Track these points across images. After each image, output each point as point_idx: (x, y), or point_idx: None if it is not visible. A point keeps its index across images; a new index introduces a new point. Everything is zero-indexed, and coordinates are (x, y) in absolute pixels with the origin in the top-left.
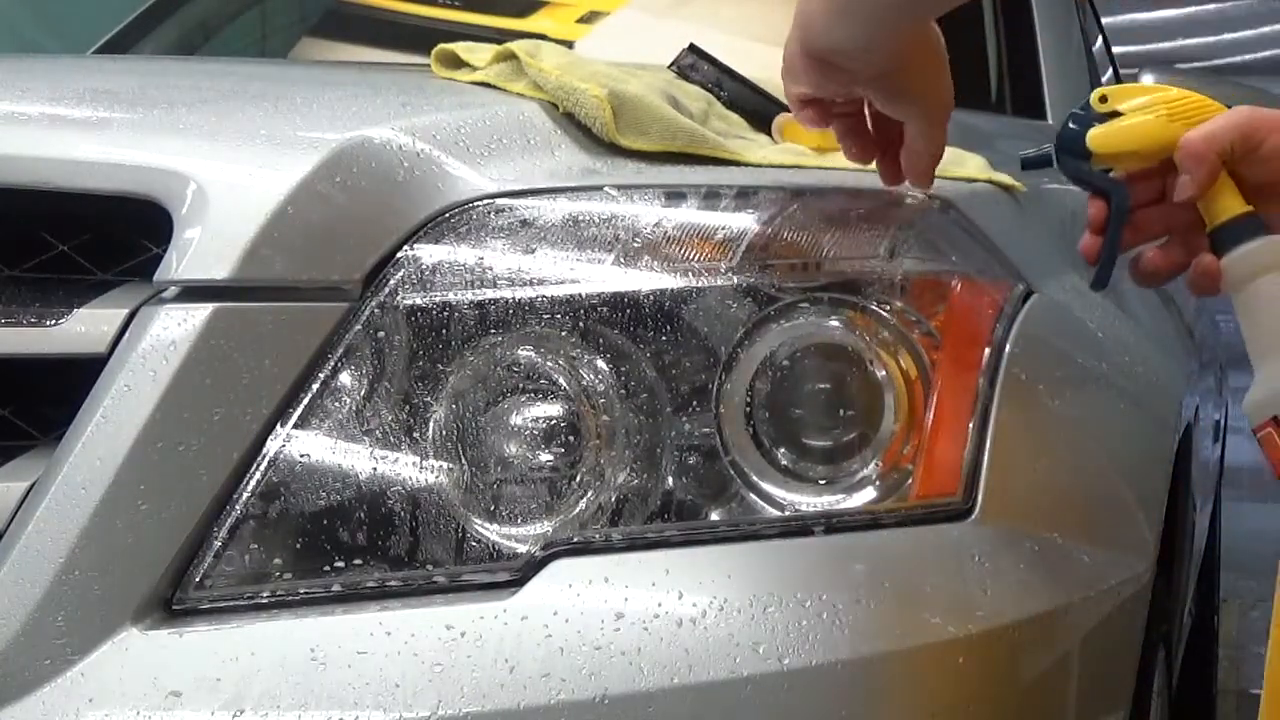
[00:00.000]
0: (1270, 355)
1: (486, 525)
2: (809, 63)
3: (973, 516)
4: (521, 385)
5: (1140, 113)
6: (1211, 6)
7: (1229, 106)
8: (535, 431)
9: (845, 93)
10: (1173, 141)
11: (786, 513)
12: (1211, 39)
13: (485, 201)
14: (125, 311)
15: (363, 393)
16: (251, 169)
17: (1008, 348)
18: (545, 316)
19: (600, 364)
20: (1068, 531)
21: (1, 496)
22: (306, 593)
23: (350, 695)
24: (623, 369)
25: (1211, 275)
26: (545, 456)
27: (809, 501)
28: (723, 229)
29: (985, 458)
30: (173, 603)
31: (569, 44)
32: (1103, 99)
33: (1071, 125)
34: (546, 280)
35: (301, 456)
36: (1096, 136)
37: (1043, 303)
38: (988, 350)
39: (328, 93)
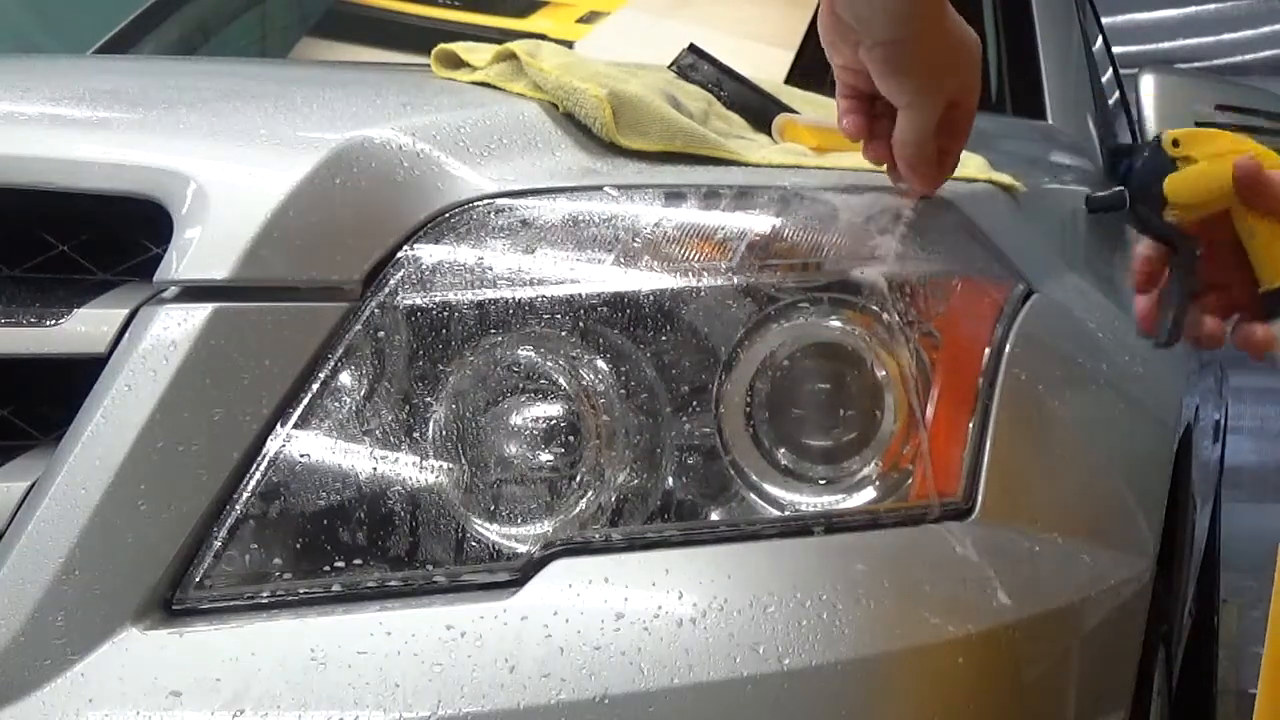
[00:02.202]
0: None
1: (486, 525)
2: (829, 17)
3: (973, 516)
4: (521, 385)
5: (1216, 160)
6: (1211, 6)
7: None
8: (535, 431)
9: (854, 61)
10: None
11: (786, 513)
12: (1211, 39)
13: (485, 201)
14: (125, 311)
15: (363, 393)
16: (251, 169)
17: (1008, 348)
18: (545, 316)
19: (600, 364)
20: (1068, 531)
21: (1, 496)
22: (306, 593)
23: (350, 695)
24: (623, 369)
25: (1265, 341)
26: (545, 456)
27: (809, 501)
28: (723, 229)
29: (985, 458)
30: (173, 603)
31: (569, 44)
32: (1175, 143)
33: (1143, 168)
34: (546, 280)
35: (301, 456)
36: (1174, 184)
37: (1043, 303)
38: (988, 350)
39: (328, 93)
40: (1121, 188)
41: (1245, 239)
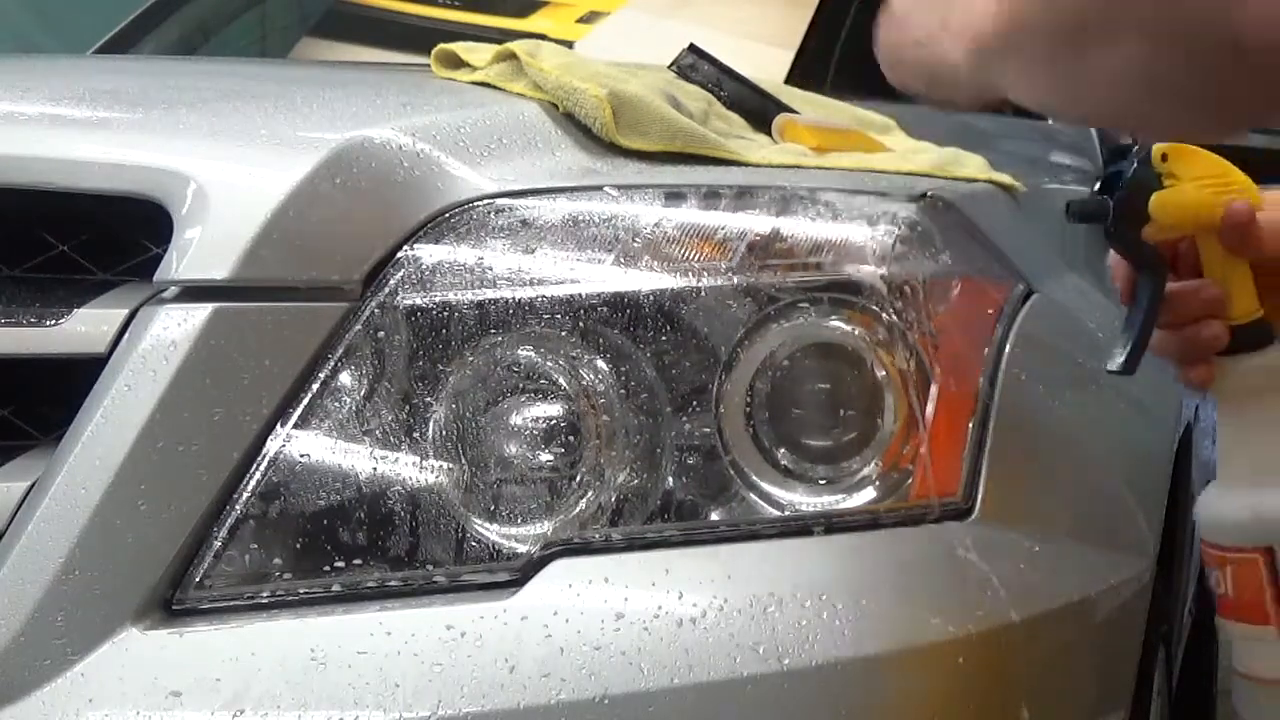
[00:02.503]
0: (1267, 480)
1: (486, 525)
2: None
3: (973, 516)
4: (521, 385)
5: (1201, 185)
6: None
7: None
8: (535, 431)
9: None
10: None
11: (786, 513)
12: None
13: (485, 201)
14: (125, 311)
15: (363, 393)
16: (251, 169)
17: (1008, 348)
18: (545, 316)
19: (600, 364)
20: (1068, 531)
21: (1, 496)
22: (306, 593)
23: (350, 695)
24: (623, 369)
25: (1201, 378)
26: (545, 456)
27: (809, 501)
28: (723, 229)
29: (985, 458)
30: (173, 603)
31: (569, 44)
32: (1164, 157)
33: (1131, 180)
34: (546, 280)
35: (301, 456)
36: (1160, 202)
37: (1043, 303)
38: (988, 350)
39: (328, 93)
40: (1105, 196)
41: (1212, 269)
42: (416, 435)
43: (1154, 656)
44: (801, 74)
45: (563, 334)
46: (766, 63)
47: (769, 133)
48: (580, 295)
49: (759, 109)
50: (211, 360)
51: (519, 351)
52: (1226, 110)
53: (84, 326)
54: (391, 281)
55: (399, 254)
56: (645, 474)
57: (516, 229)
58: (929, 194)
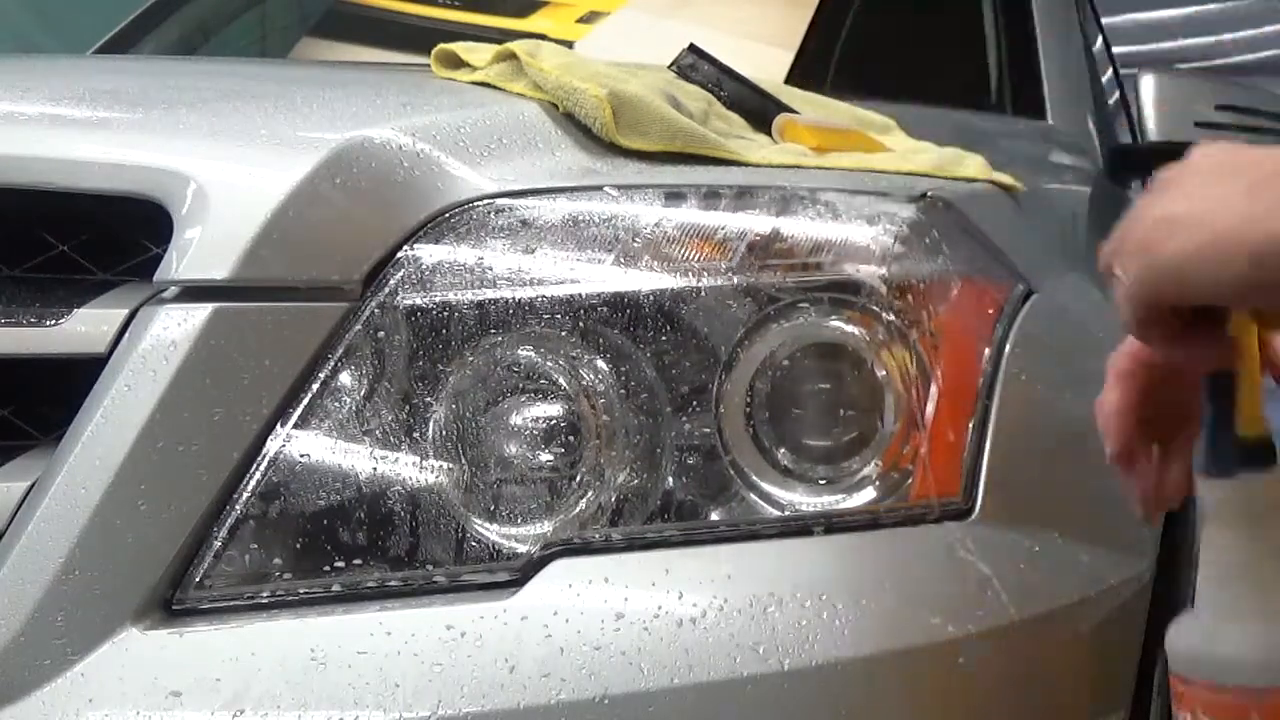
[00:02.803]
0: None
1: (486, 525)
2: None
3: (973, 516)
4: (521, 385)
5: None
6: (1212, 6)
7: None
8: (535, 431)
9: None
10: None
11: (786, 513)
12: (1211, 39)
13: (485, 201)
14: (125, 311)
15: (363, 393)
16: (251, 169)
17: (1008, 348)
18: (545, 316)
19: (600, 364)
20: (1068, 531)
21: (1, 496)
22: (306, 593)
23: (350, 695)
24: (623, 369)
25: (1176, 488)
26: (545, 456)
27: (809, 501)
28: (723, 229)
29: (985, 458)
30: (173, 603)
31: (569, 44)
32: None
33: None
34: (546, 280)
35: (301, 456)
36: None
37: (1043, 303)
38: (988, 350)
39: (328, 93)
40: None
41: (1240, 374)
42: (416, 435)
43: (1154, 656)
44: (801, 74)
45: (563, 334)
46: (766, 63)
47: (769, 133)
48: (580, 295)
49: (759, 109)
50: (211, 360)
51: (519, 351)
52: None
53: (84, 326)
54: (391, 281)
55: (399, 254)
56: (645, 474)
57: (516, 229)
58: (929, 194)
